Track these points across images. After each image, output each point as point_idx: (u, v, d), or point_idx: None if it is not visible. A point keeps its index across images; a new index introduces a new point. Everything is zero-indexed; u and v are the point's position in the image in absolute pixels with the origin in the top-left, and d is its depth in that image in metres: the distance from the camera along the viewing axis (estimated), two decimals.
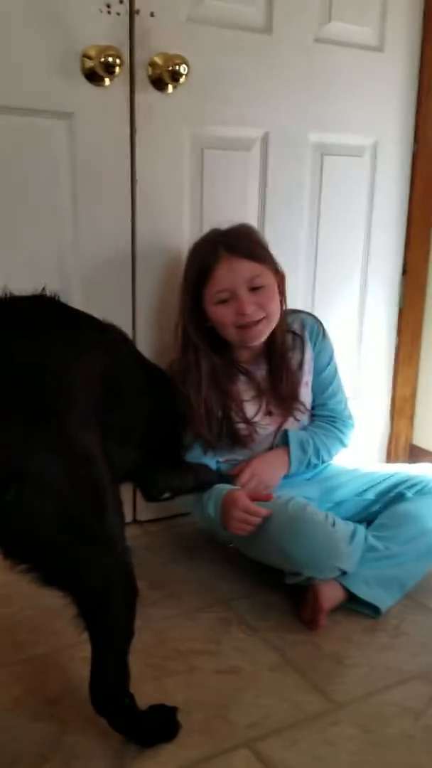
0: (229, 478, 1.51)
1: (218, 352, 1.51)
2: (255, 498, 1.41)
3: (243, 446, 1.54)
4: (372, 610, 1.39)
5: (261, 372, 1.56)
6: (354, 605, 1.40)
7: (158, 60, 1.49)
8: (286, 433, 1.56)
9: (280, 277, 1.52)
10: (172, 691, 1.18)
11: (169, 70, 1.48)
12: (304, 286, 1.86)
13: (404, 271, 2.00)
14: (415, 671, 1.24)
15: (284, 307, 1.55)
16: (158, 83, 1.51)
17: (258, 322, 1.46)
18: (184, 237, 1.64)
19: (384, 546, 1.44)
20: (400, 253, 1.99)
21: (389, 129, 1.89)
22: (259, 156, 1.71)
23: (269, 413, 1.55)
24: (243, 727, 1.10)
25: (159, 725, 1.07)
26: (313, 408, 1.63)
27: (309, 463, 1.58)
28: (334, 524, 1.37)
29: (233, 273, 1.43)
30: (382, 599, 1.40)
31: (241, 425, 1.52)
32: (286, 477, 1.55)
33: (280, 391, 1.54)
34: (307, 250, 1.84)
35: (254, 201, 1.73)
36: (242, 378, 1.55)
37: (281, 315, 1.53)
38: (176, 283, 1.65)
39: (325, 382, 1.63)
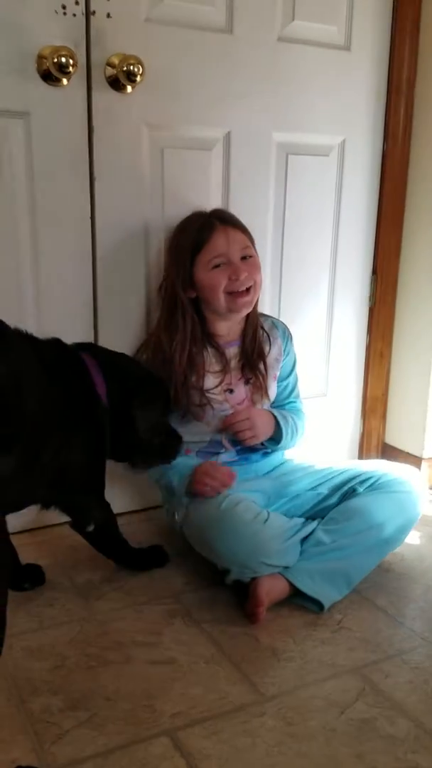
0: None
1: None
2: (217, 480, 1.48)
3: (195, 417, 1.58)
4: (316, 606, 1.40)
5: (233, 350, 1.62)
6: (299, 600, 1.41)
7: (115, 60, 1.52)
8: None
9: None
10: (104, 681, 1.20)
11: (124, 71, 1.50)
12: (270, 289, 1.87)
13: (374, 271, 2.00)
14: (348, 666, 1.25)
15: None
16: (115, 83, 1.53)
17: (248, 290, 1.54)
18: (146, 237, 1.67)
19: (331, 539, 1.45)
20: (370, 252, 1.99)
21: (358, 128, 1.89)
22: (221, 156, 1.72)
23: (229, 390, 1.60)
24: (167, 717, 1.12)
25: None
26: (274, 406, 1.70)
27: (290, 436, 1.64)
28: (266, 521, 1.39)
29: (229, 240, 1.52)
30: (327, 594, 1.41)
31: (196, 393, 1.56)
32: (246, 471, 1.59)
33: (251, 363, 1.62)
34: (273, 251, 1.85)
35: (217, 201, 1.74)
36: (211, 351, 1.60)
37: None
38: (139, 281, 1.68)
39: (288, 387, 1.72)
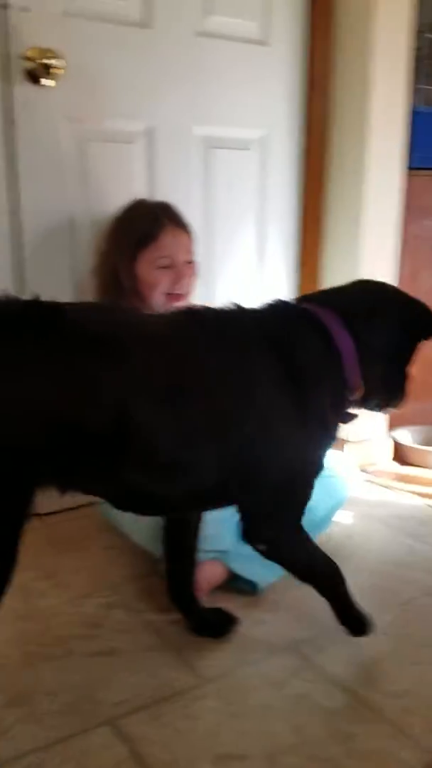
0: None
1: None
2: None
3: None
4: (252, 587, 1.44)
5: None
6: (236, 583, 1.44)
7: (32, 54, 1.50)
8: None
9: None
10: (45, 676, 1.20)
11: (42, 64, 1.49)
12: (198, 280, 1.89)
13: (300, 265, 2.05)
14: (284, 644, 1.29)
15: None
16: (34, 77, 1.52)
17: (186, 294, 1.57)
18: (71, 231, 1.66)
19: None
20: (296, 246, 2.04)
21: (278, 122, 1.93)
22: (144, 149, 1.73)
23: None
24: (109, 706, 1.13)
25: None
26: None
27: None
28: None
29: (178, 242, 1.55)
30: (262, 575, 1.44)
31: None
32: None
33: None
34: (200, 245, 1.86)
35: (142, 194, 1.73)
36: None
37: None
38: (64, 274, 1.68)
39: None
